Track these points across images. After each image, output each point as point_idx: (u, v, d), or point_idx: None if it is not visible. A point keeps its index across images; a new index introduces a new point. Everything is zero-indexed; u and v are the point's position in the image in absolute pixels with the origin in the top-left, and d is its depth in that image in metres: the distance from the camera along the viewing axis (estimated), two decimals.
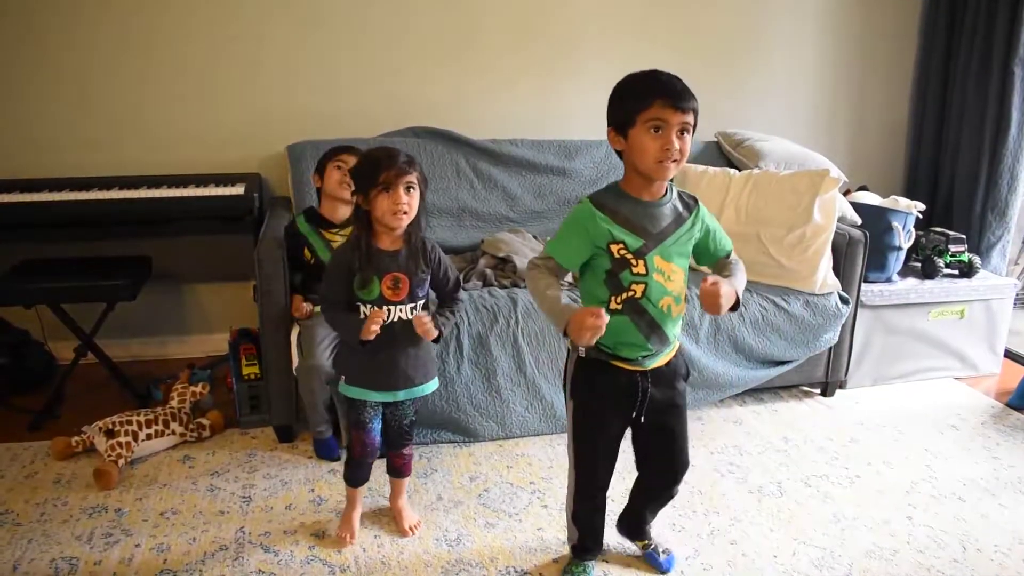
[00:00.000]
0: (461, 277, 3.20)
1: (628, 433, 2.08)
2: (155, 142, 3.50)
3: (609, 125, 1.84)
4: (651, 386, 1.95)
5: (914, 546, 2.40)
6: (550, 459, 2.84)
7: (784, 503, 2.61)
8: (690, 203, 1.93)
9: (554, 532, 2.42)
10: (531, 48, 3.79)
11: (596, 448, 2.03)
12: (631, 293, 1.86)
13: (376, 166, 2.03)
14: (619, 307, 1.86)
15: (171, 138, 3.51)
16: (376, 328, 2.05)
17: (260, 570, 2.21)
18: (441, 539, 2.38)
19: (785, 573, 2.25)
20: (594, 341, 1.73)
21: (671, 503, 2.28)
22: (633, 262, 1.84)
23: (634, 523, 2.31)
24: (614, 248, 1.83)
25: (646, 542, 2.31)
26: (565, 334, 1.77)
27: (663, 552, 2.28)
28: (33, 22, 3.28)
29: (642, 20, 3.87)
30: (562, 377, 2.05)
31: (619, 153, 1.86)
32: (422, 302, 2.17)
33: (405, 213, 2.05)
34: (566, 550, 2.30)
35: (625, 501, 2.31)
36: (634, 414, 1.97)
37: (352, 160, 2.84)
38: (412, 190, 2.06)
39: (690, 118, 1.75)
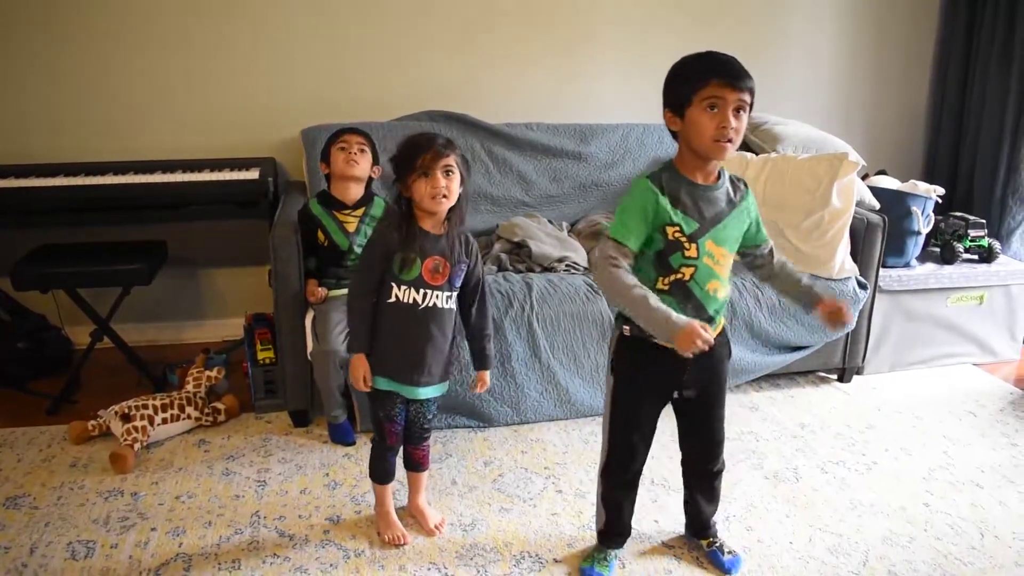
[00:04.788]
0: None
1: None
2: (170, 127, 3.50)
3: (665, 106, 1.85)
4: (692, 365, 1.91)
5: (931, 533, 2.38)
6: (565, 444, 2.83)
7: (800, 489, 2.60)
8: (740, 186, 1.95)
9: (569, 517, 2.42)
10: (546, 31, 3.76)
11: (633, 422, 2.04)
12: (679, 275, 1.86)
13: (414, 151, 2.01)
14: (666, 288, 1.87)
15: (186, 123, 3.51)
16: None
17: (275, 554, 2.22)
18: (456, 524, 2.38)
19: (801, 560, 2.24)
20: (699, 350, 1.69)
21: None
22: (686, 245, 1.84)
23: (694, 517, 2.27)
24: (670, 230, 1.83)
25: (711, 540, 2.26)
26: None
27: (728, 552, 2.23)
28: (50, 7, 3.28)
29: (658, 3, 3.83)
30: (607, 355, 2.05)
31: (674, 134, 1.88)
32: (457, 293, 2.14)
33: (445, 197, 2.01)
34: (585, 537, 2.31)
35: (680, 499, 2.30)
36: (675, 393, 2.01)
37: (353, 139, 2.87)
38: (451, 173, 2.02)
39: (746, 96, 1.77)
